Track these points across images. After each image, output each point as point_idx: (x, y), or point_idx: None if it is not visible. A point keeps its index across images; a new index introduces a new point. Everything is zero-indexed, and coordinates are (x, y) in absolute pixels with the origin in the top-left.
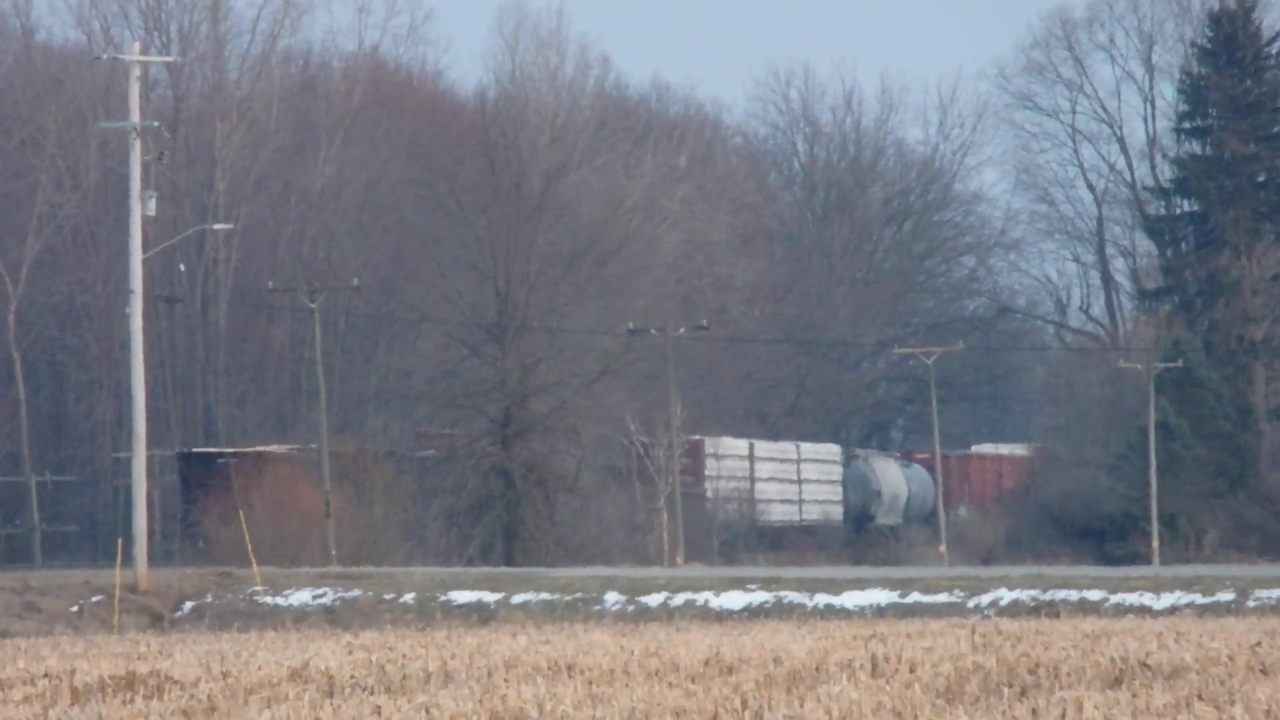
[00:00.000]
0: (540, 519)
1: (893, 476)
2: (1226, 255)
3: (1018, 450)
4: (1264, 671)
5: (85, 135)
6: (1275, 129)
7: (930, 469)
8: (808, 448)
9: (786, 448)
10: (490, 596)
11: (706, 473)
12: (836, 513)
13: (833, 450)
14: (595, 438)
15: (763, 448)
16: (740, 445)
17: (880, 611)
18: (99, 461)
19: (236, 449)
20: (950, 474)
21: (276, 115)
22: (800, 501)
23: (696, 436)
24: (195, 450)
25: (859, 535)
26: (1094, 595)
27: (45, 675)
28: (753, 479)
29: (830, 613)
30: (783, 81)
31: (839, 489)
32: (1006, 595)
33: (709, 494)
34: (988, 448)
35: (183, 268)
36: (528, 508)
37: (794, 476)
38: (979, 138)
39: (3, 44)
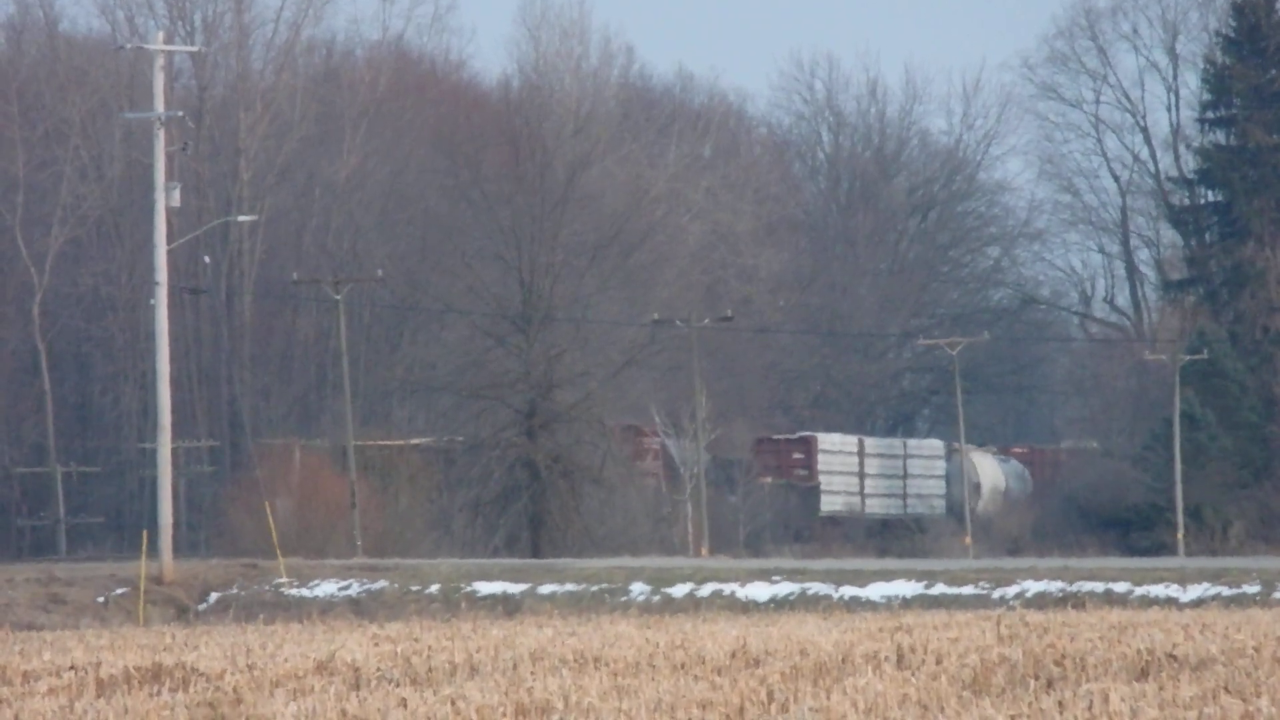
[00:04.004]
0: (566, 510)
1: (991, 470)
2: (1251, 246)
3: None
4: None
5: (109, 126)
6: None
7: (1028, 463)
8: (913, 443)
9: (894, 444)
10: (515, 588)
11: (820, 468)
12: (940, 506)
13: (936, 445)
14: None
15: (872, 443)
16: (850, 441)
17: (906, 603)
18: (124, 453)
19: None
20: (1045, 466)
21: (300, 105)
22: (904, 495)
23: (808, 433)
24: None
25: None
26: (1120, 587)
27: (71, 667)
28: (862, 474)
29: (856, 604)
30: (807, 71)
31: (942, 483)
32: (1032, 587)
33: (823, 488)
34: (1068, 442)
35: (207, 259)
36: (553, 499)
37: (900, 471)
38: (1003, 128)
39: (27, 34)
